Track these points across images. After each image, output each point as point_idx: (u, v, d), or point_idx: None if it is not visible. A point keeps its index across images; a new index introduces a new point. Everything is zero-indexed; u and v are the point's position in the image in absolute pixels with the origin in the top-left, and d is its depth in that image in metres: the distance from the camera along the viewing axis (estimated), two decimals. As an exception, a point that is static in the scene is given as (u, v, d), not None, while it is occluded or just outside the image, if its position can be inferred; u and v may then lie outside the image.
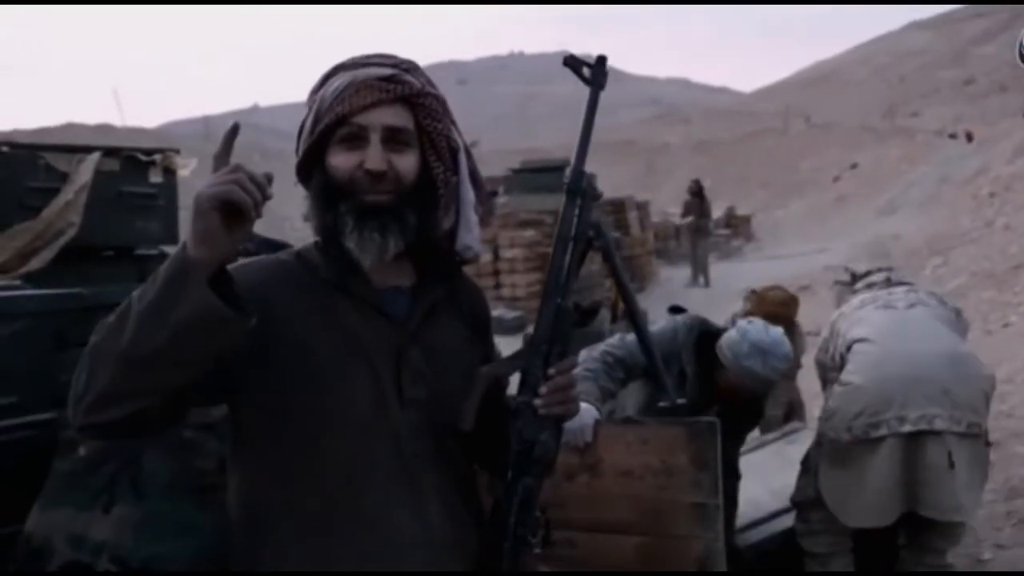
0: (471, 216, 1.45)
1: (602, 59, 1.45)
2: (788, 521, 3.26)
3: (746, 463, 3.77)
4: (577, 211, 1.42)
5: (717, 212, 21.99)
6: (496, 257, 12.88)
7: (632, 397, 3.05)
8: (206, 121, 50.79)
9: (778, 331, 2.96)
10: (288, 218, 13.64)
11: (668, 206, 18.06)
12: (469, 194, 1.45)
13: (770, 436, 4.11)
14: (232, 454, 1.38)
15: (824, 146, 29.71)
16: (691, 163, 32.21)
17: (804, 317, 10.17)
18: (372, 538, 1.29)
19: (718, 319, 11.09)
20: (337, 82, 1.34)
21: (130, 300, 1.14)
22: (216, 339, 1.14)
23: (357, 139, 1.32)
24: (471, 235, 1.45)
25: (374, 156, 1.31)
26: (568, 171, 1.44)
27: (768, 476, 3.59)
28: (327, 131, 1.33)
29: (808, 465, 3.08)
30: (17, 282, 2.70)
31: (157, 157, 3.37)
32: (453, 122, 1.43)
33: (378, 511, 1.30)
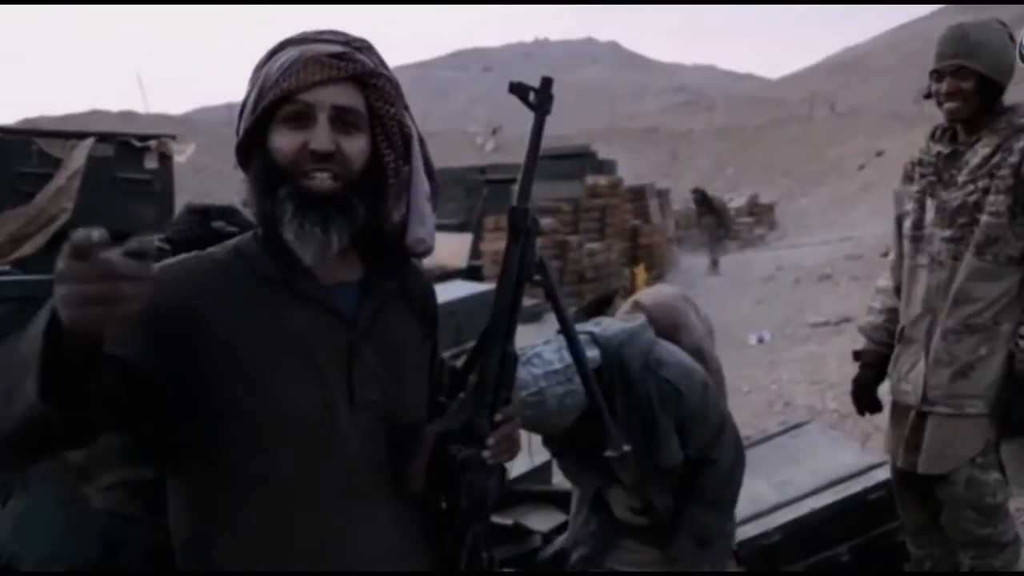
0: (424, 208, 1.37)
1: (547, 82, 1.38)
2: (788, 515, 3.19)
3: (749, 458, 3.70)
4: (520, 249, 1.36)
5: (740, 200, 21.82)
6: (513, 244, 12.85)
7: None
8: (230, 108, 51.12)
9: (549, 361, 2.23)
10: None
11: (690, 193, 17.88)
12: (423, 184, 1.37)
13: (773, 430, 4.03)
14: (170, 475, 1.28)
15: (850, 133, 29.31)
16: (714, 150, 31.92)
17: (826, 308, 10.13)
18: (325, 551, 1.23)
19: (736, 308, 10.88)
20: (284, 57, 1.25)
21: None
22: (65, 428, 1.05)
23: (303, 118, 1.23)
24: (424, 228, 1.37)
25: (321, 135, 1.22)
26: (511, 208, 1.37)
27: (769, 470, 3.52)
28: (270, 108, 1.23)
29: None
30: (6, 267, 2.70)
31: (152, 143, 3.37)
32: (406, 107, 1.35)
33: (330, 523, 1.24)
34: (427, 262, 1.50)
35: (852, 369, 3.19)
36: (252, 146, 1.28)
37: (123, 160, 3.36)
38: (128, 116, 30.55)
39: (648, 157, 31.46)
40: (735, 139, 33.17)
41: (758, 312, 10.84)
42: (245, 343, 1.22)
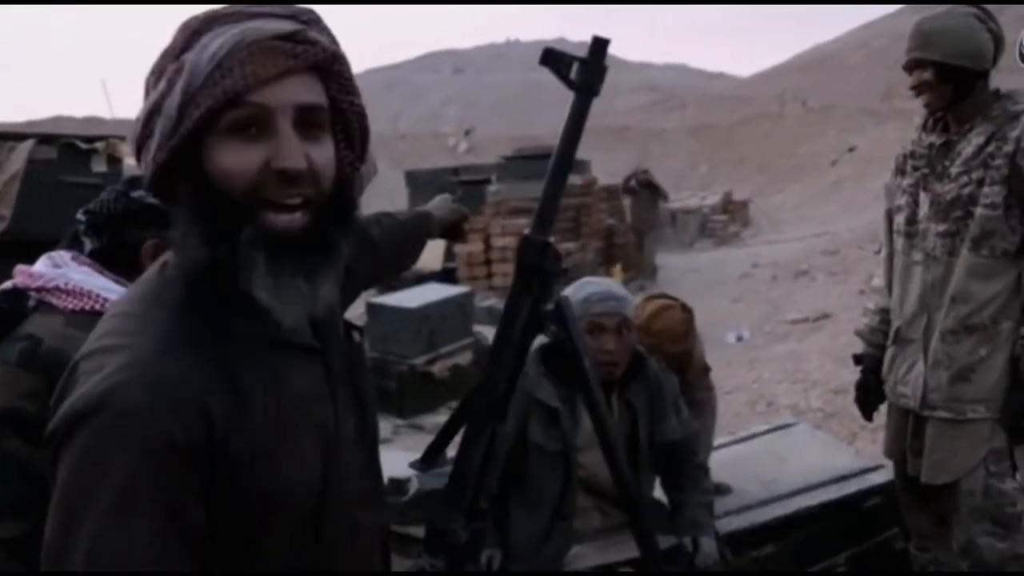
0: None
1: (600, 44, 1.05)
2: (776, 511, 3.05)
3: (734, 454, 3.58)
4: (533, 298, 1.04)
5: (714, 197, 21.77)
6: (488, 246, 12.68)
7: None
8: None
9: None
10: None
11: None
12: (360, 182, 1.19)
13: (761, 428, 3.90)
14: None
15: (822, 130, 29.42)
16: (687, 148, 31.93)
17: (804, 304, 10.04)
18: None
19: (713, 306, 10.72)
20: (216, 42, 0.91)
21: None
22: None
23: (256, 125, 0.92)
24: None
25: (288, 149, 0.91)
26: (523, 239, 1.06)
27: (758, 468, 3.39)
28: (209, 117, 0.91)
29: None
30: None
31: (99, 144, 3.16)
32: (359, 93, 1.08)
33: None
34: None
35: (834, 367, 3.08)
36: (177, 170, 0.94)
37: (68, 163, 3.14)
38: (93, 121, 30.07)
39: (621, 156, 31.33)
40: (708, 137, 33.22)
41: (736, 310, 10.74)
42: (257, 432, 0.95)
